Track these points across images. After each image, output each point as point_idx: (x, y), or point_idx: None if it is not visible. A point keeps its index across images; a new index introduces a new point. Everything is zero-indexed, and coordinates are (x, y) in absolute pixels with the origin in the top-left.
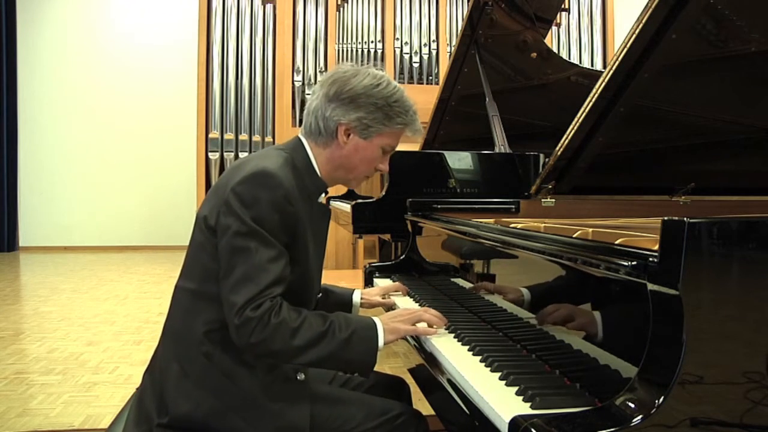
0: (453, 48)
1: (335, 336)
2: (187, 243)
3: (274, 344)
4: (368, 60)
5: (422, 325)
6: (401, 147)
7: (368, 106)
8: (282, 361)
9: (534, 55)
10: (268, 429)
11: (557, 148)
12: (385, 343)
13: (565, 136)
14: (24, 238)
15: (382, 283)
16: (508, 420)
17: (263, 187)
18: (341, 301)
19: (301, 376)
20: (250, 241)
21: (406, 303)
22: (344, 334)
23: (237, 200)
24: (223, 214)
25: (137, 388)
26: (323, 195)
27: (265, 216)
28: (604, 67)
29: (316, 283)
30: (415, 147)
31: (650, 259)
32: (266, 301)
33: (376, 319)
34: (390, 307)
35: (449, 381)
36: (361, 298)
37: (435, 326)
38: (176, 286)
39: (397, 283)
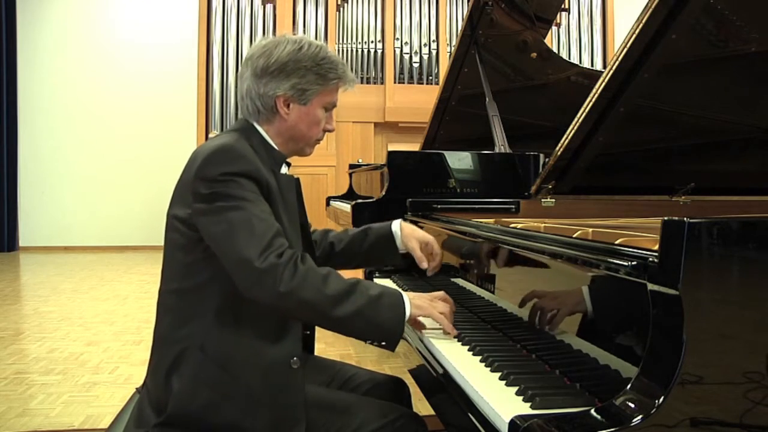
0: (453, 48)
1: (364, 293)
2: None
3: (306, 291)
4: (368, 60)
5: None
6: (402, 147)
7: (298, 71)
8: (312, 315)
9: (534, 55)
10: (264, 419)
11: (557, 148)
12: (410, 316)
13: (565, 136)
14: (24, 238)
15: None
16: (508, 420)
17: (227, 161)
18: (380, 232)
19: (295, 364)
20: (237, 202)
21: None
22: (374, 291)
23: (206, 183)
24: (198, 201)
25: (137, 388)
26: (286, 167)
27: (242, 183)
28: (604, 67)
29: None
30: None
31: (650, 259)
32: (287, 250)
33: (400, 291)
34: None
35: (449, 381)
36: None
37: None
38: (159, 292)
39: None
